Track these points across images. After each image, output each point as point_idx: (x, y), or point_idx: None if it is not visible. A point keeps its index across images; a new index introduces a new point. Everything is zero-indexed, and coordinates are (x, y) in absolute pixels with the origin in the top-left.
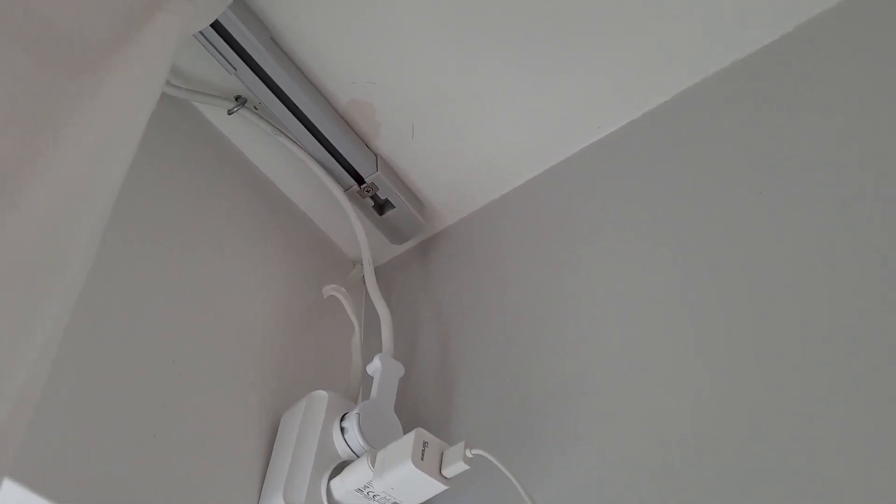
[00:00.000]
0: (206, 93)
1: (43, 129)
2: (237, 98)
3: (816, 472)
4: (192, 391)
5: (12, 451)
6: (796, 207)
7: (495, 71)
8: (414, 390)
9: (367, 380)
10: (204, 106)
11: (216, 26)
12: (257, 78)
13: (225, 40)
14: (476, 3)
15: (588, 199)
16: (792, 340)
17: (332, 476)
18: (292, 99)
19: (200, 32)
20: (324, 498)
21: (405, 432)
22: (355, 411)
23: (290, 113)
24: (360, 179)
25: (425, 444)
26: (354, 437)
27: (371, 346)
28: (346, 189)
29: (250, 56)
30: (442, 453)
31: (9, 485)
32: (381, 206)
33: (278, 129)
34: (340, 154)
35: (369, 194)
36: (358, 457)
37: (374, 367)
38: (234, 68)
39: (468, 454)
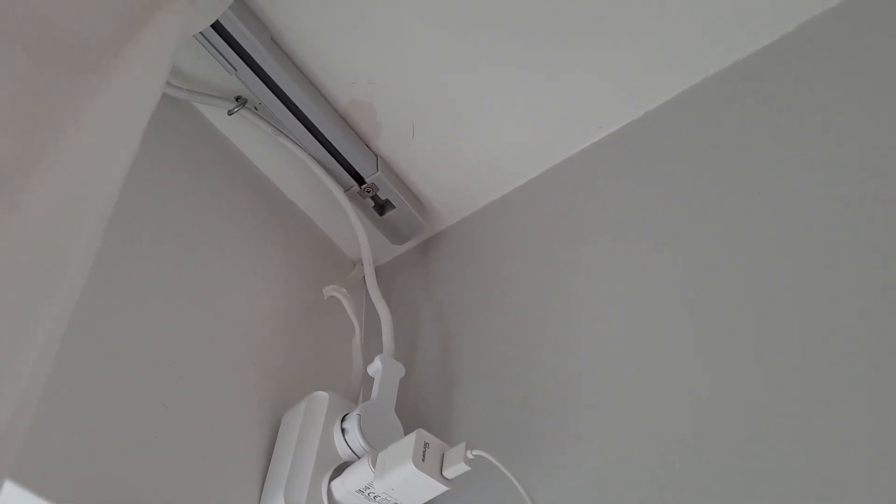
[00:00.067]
0: (207, 93)
1: (43, 129)
2: (237, 98)
3: (816, 472)
4: (193, 391)
5: (14, 453)
6: (796, 207)
7: (495, 71)
8: (414, 391)
9: (368, 380)
10: (204, 106)
11: (216, 27)
12: (257, 78)
13: (225, 40)
14: (476, 3)
15: (589, 200)
16: (792, 340)
17: (332, 477)
18: (292, 99)
19: (200, 33)
20: (324, 499)
21: (406, 433)
22: (356, 412)
23: (290, 113)
24: (360, 180)
25: (426, 444)
26: (355, 437)
27: (371, 347)
28: (347, 189)
29: (250, 56)
30: (443, 454)
31: (9, 486)
32: (382, 207)
33: (278, 130)
34: (341, 154)
35: (370, 194)
36: (359, 458)
37: (375, 367)
38: (235, 68)
39: (469, 455)
